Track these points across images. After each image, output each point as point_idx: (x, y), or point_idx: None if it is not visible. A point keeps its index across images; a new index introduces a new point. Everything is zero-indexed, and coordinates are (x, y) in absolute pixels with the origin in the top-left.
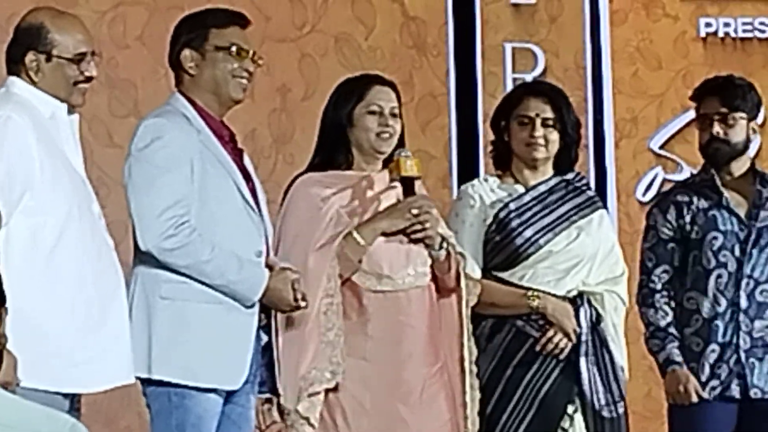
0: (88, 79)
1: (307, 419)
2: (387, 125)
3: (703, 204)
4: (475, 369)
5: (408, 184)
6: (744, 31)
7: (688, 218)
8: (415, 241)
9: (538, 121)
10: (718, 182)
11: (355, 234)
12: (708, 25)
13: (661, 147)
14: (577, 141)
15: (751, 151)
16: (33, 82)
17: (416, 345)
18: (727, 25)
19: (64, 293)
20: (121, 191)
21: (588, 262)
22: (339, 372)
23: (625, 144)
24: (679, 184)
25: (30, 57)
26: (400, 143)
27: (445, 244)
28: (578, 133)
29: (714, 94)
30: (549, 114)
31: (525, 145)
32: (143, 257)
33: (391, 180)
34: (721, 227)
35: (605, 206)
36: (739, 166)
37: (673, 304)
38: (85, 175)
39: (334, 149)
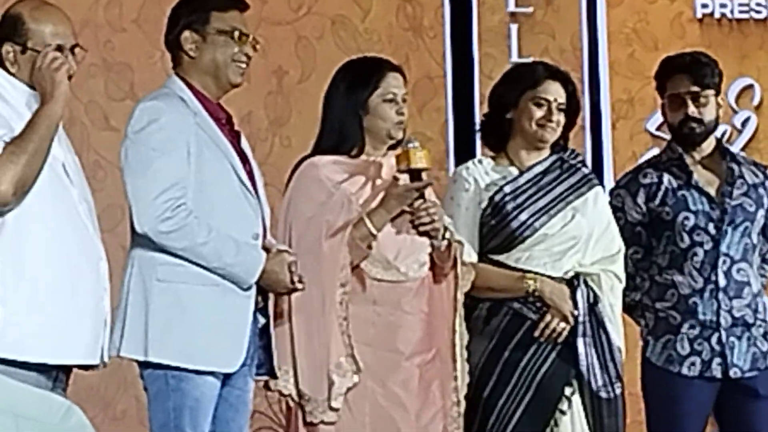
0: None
1: (335, 409)
2: (402, 113)
3: (673, 183)
4: (465, 354)
5: (416, 175)
6: (740, 12)
7: (658, 200)
8: (420, 232)
9: (554, 105)
10: (688, 161)
11: (366, 220)
12: (704, 6)
13: (658, 128)
14: (573, 124)
15: (746, 134)
16: (12, 74)
17: (416, 333)
18: (723, 6)
19: (29, 267)
20: (118, 174)
21: (584, 243)
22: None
23: (622, 125)
24: (646, 164)
25: (6, 48)
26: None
27: (447, 234)
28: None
29: (684, 73)
30: (563, 99)
31: (539, 126)
32: (140, 240)
33: (399, 171)
34: (692, 207)
35: (602, 187)
36: (707, 144)
37: (647, 282)
38: (72, 159)
39: (346, 135)
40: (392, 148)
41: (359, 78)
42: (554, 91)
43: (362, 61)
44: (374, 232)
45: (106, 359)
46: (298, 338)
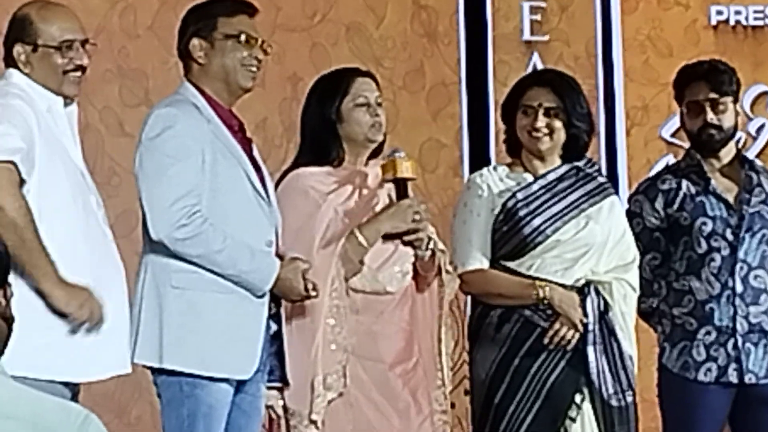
0: (79, 68)
1: (315, 422)
2: (377, 115)
3: (691, 189)
4: (450, 363)
5: (403, 185)
6: (755, 19)
7: (676, 206)
8: (405, 242)
9: (541, 111)
10: (706, 168)
11: (357, 234)
12: (719, 13)
13: (673, 135)
14: (588, 130)
15: (761, 141)
16: (26, 75)
17: (398, 342)
18: (738, 13)
19: None
20: (133, 180)
21: (597, 251)
22: (347, 375)
23: (637, 132)
24: (665, 171)
25: (18, 49)
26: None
27: (431, 244)
28: (590, 121)
29: (702, 80)
30: (552, 103)
31: (528, 135)
32: (154, 246)
33: (385, 181)
34: (710, 213)
35: (617, 194)
36: (726, 152)
37: (664, 289)
38: (84, 166)
39: (323, 145)
40: (375, 155)
41: (329, 87)
42: (537, 96)
43: (332, 72)
44: (366, 245)
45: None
46: (288, 351)
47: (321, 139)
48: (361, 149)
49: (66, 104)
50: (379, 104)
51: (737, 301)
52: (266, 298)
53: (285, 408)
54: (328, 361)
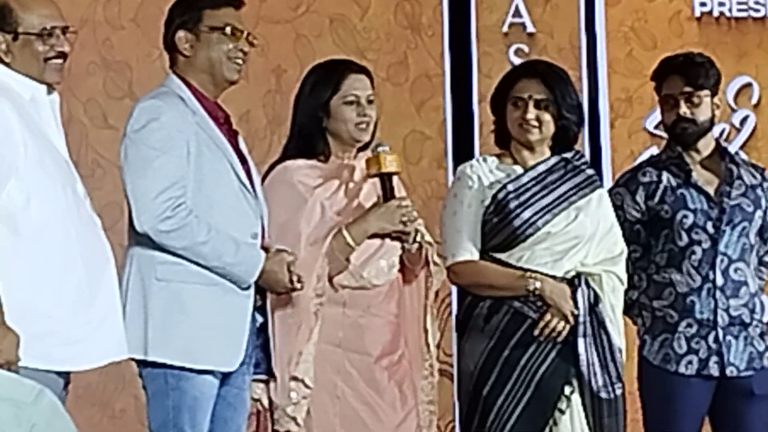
0: (61, 55)
1: (294, 419)
2: (365, 114)
3: (672, 182)
4: (435, 353)
5: (388, 180)
6: (739, 10)
7: (657, 198)
8: (392, 237)
9: (531, 103)
10: (687, 160)
11: (345, 234)
12: (703, 4)
13: (656, 127)
14: (578, 121)
15: (744, 132)
16: (7, 65)
17: (384, 335)
18: (721, 4)
19: (53, 272)
20: (117, 173)
21: (586, 243)
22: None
23: (620, 124)
24: (645, 163)
25: None
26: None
27: (418, 236)
28: (579, 112)
29: (677, 73)
30: (542, 95)
31: (518, 127)
32: (139, 239)
33: (370, 176)
34: (690, 206)
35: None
36: (705, 144)
37: (644, 281)
38: (68, 155)
39: (310, 138)
40: (361, 150)
41: (321, 80)
42: (527, 88)
43: (326, 64)
44: (353, 245)
45: (134, 356)
46: (276, 345)
47: (308, 133)
48: (347, 146)
49: (48, 92)
50: (370, 102)
51: (718, 294)
52: (252, 291)
53: (270, 401)
54: (307, 357)
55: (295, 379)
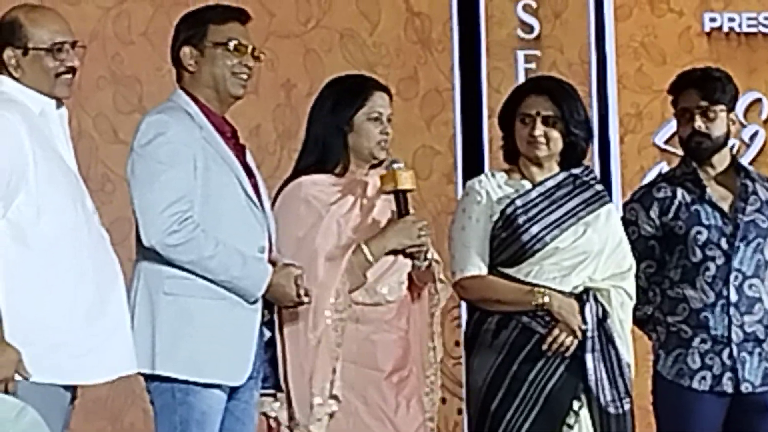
0: (71, 70)
1: None
2: (387, 132)
3: (686, 198)
4: (438, 369)
5: (403, 197)
6: (748, 26)
7: (671, 214)
8: (404, 254)
9: (539, 120)
10: (701, 176)
11: (364, 249)
12: (712, 20)
13: (666, 142)
14: (587, 137)
15: (754, 148)
16: (17, 79)
17: (396, 351)
18: (731, 20)
19: (63, 286)
20: (126, 187)
21: (594, 258)
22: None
23: (630, 139)
24: (660, 178)
25: (8, 53)
26: None
27: (428, 254)
28: (587, 128)
29: (693, 87)
30: (550, 112)
31: (526, 143)
32: (146, 253)
33: (385, 192)
34: (705, 222)
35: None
36: (721, 160)
37: (658, 297)
38: (77, 170)
39: (329, 152)
40: (374, 167)
41: (345, 95)
42: (535, 105)
43: (349, 79)
44: (372, 260)
45: (142, 371)
46: (285, 360)
47: (327, 145)
48: (363, 162)
49: (57, 106)
50: (389, 120)
51: (732, 310)
52: (259, 305)
53: (291, 417)
54: (327, 371)
55: (334, 398)
